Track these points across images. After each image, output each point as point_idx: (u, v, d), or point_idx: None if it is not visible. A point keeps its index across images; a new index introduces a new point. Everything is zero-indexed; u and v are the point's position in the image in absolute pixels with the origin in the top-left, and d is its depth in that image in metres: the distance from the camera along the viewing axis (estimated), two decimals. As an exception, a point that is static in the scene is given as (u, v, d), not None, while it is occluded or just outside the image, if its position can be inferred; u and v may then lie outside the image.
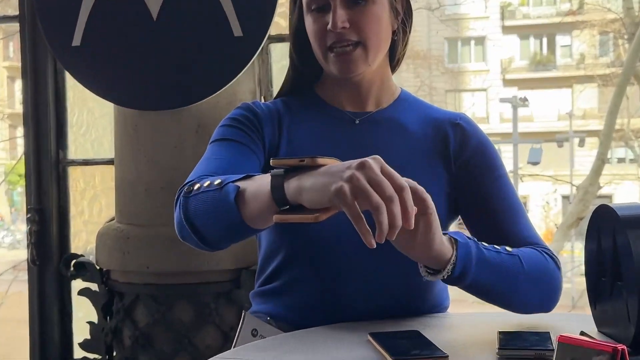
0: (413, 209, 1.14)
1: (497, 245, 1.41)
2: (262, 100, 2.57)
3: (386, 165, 1.14)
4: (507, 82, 21.86)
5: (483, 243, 1.38)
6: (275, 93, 2.61)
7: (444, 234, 1.31)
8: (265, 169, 1.49)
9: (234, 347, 1.53)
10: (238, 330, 1.54)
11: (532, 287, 1.41)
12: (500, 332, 1.29)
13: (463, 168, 1.54)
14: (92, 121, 2.89)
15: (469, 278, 1.33)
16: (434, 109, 1.62)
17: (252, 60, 2.39)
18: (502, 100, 17.08)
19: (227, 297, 2.48)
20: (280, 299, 1.52)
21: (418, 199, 1.19)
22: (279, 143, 1.52)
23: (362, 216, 1.11)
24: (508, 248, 1.40)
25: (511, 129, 15.37)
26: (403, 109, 1.57)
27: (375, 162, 1.13)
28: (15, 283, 9.15)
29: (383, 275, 1.46)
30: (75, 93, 2.83)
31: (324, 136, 1.53)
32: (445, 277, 1.31)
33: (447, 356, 1.18)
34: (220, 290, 2.47)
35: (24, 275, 2.85)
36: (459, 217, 1.58)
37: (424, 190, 1.20)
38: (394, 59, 1.60)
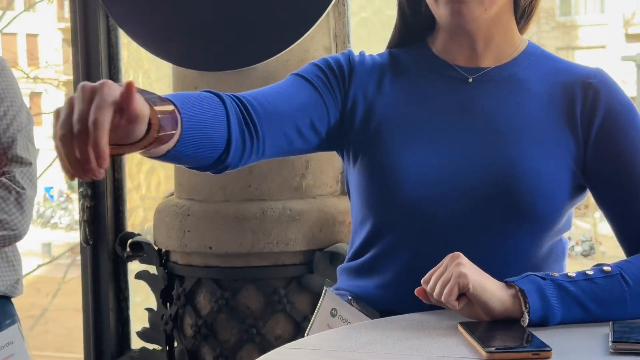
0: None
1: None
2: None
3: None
4: (630, 38, 21.22)
5: (568, 273, 1.34)
6: (353, 49, 2.60)
7: (510, 283, 1.31)
8: (331, 122, 1.50)
9: (310, 327, 1.56)
10: (317, 308, 1.56)
11: None
12: (614, 323, 1.24)
13: (594, 138, 1.47)
14: (148, 84, 2.92)
15: (557, 319, 1.31)
16: (566, 64, 1.54)
17: (326, 12, 2.36)
18: (624, 58, 16.62)
19: (298, 282, 2.48)
20: (365, 276, 1.52)
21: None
22: (372, 101, 1.50)
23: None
24: (605, 268, 1.35)
25: (635, 92, 14.97)
26: (527, 66, 1.51)
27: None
28: (72, 268, 9.44)
29: (486, 252, 1.42)
30: (130, 53, 2.86)
31: (428, 97, 1.50)
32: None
33: (550, 350, 1.14)
34: (292, 275, 2.47)
35: (83, 259, 2.92)
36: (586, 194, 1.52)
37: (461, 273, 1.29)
38: (517, 9, 1.52)
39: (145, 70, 2.92)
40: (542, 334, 1.22)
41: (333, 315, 1.51)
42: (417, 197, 1.44)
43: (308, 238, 2.46)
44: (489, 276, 1.31)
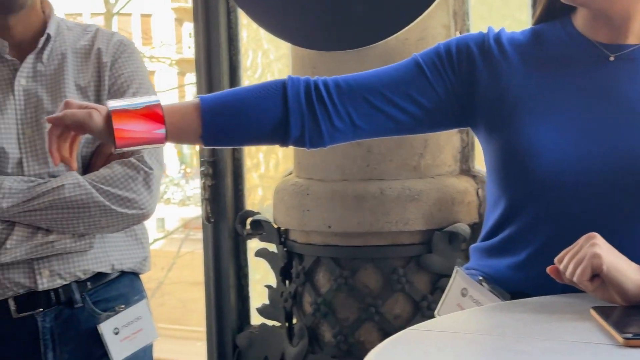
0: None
1: None
2: (458, 34, 2.52)
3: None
4: None
5: None
6: (472, 27, 2.56)
7: None
8: (445, 102, 1.51)
9: (441, 305, 1.57)
10: (447, 287, 1.57)
11: None
12: None
13: None
14: (267, 64, 2.95)
15: None
16: None
17: (446, -11, 2.34)
18: None
19: (417, 262, 2.47)
20: (497, 256, 1.50)
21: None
22: (507, 80, 1.48)
23: None
24: None
25: None
26: None
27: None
28: (186, 242, 9.67)
29: (623, 234, 1.39)
30: (249, 33, 2.90)
31: (566, 75, 1.46)
32: None
33: (691, 338, 1.11)
34: (410, 254, 2.47)
35: (195, 234, 2.98)
36: None
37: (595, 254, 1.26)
38: None
39: (264, 51, 2.95)
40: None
41: (463, 295, 1.52)
42: (552, 177, 1.41)
43: (427, 218, 2.46)
44: (625, 258, 1.28)
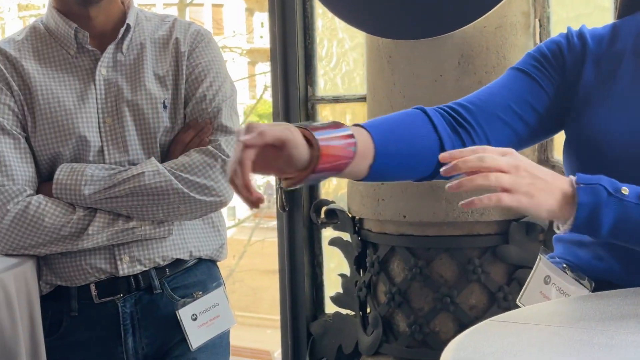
0: None
1: None
2: (537, 23, 2.49)
3: None
4: None
5: None
6: (552, 14, 2.52)
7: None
8: (552, 105, 1.50)
9: (523, 293, 1.55)
10: (530, 275, 1.56)
11: None
12: None
13: None
14: (342, 54, 2.95)
15: (603, 236, 1.26)
16: None
17: (525, -24, 2.30)
18: None
19: (493, 253, 2.45)
20: (579, 247, 1.49)
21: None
22: (586, 74, 1.48)
23: None
24: None
25: None
26: None
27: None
28: (257, 230, 9.75)
29: None
30: (325, 22, 2.90)
31: (636, 67, 1.46)
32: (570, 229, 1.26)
33: None
34: (487, 245, 2.45)
35: (266, 223, 3.00)
36: None
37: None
38: None
39: (339, 40, 2.95)
40: None
41: (546, 282, 1.51)
42: (626, 164, 1.40)
43: (504, 208, 2.42)
44: (544, 179, 1.25)
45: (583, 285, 1.44)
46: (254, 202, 1.21)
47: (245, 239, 9.92)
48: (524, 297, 1.57)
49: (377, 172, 1.36)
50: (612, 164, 1.41)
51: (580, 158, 1.48)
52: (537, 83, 1.51)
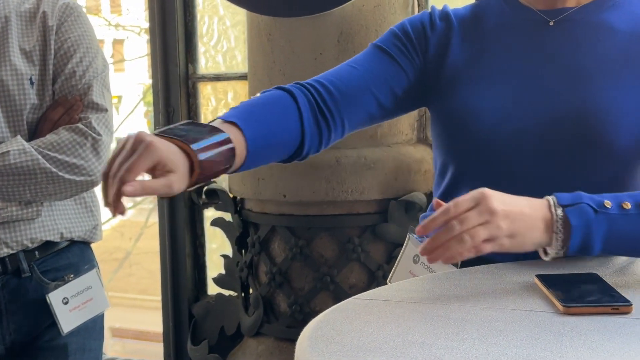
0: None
1: None
2: (416, 3, 2.50)
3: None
4: None
5: (623, 202, 1.26)
6: (429, -6, 2.54)
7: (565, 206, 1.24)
8: (411, 87, 1.50)
9: (393, 273, 1.56)
10: (400, 254, 1.57)
11: None
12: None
13: None
14: (223, 31, 2.91)
15: (595, 252, 1.26)
16: None
17: (402, -45, 2.30)
18: None
19: (373, 231, 2.46)
20: None
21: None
22: (451, 53, 1.49)
23: None
24: None
25: None
26: (612, 6, 1.47)
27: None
28: (154, 212, 9.64)
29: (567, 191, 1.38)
30: (205, -1, 2.85)
31: (506, 42, 1.48)
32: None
33: (631, 305, 1.10)
34: (366, 224, 2.46)
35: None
36: None
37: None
38: None
39: (220, 17, 2.90)
40: (625, 289, 1.17)
41: (415, 261, 1.53)
42: (493, 138, 1.42)
43: (383, 186, 2.44)
44: (520, 203, 1.24)
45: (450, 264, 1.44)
46: (118, 211, 1.19)
47: (143, 220, 9.79)
48: (394, 277, 1.58)
49: (245, 167, 1.37)
50: (482, 140, 1.43)
51: (451, 135, 1.48)
52: (398, 65, 1.51)
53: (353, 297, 1.28)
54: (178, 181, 1.20)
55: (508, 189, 1.39)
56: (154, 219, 9.35)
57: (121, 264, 9.50)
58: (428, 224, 1.22)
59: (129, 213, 10.74)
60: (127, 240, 9.66)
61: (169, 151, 1.20)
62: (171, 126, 1.27)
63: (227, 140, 1.26)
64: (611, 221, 1.26)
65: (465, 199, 1.21)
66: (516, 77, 1.44)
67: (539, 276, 1.23)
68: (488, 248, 1.20)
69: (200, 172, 1.22)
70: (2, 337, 1.78)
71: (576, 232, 1.24)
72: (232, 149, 1.26)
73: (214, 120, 1.34)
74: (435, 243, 1.21)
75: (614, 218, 1.27)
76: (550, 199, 1.26)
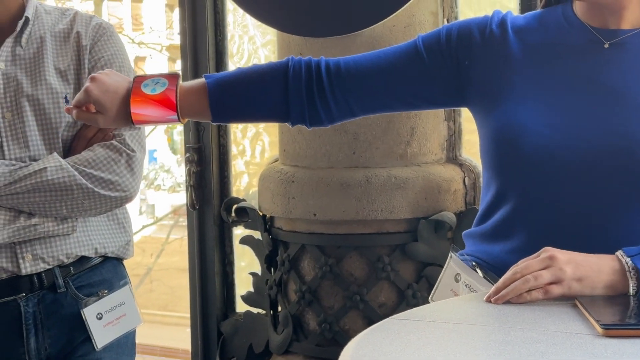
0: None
1: None
2: (445, 22, 2.50)
3: None
4: None
5: None
6: (460, 14, 2.54)
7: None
8: (441, 88, 1.53)
9: (434, 291, 1.59)
10: (442, 273, 1.58)
11: None
12: None
13: None
14: (253, 50, 2.93)
15: None
16: None
17: (433, -24, 2.32)
18: None
19: (402, 250, 2.46)
20: (490, 241, 1.50)
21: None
22: (502, 64, 1.49)
23: None
24: None
25: None
26: None
27: None
28: (175, 228, 9.66)
29: (610, 219, 1.38)
30: (236, 19, 2.88)
31: (559, 60, 1.46)
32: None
33: (673, 328, 1.10)
34: (396, 243, 2.46)
35: (185, 221, 2.97)
36: None
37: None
38: None
39: (250, 37, 2.93)
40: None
41: (457, 280, 1.53)
42: (541, 156, 1.40)
43: (413, 206, 2.44)
44: (586, 256, 1.28)
45: (492, 283, 1.44)
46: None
47: (164, 237, 9.81)
48: (436, 295, 1.59)
49: (221, 118, 1.57)
50: (527, 160, 1.42)
51: (495, 149, 1.48)
52: (425, 66, 1.52)
53: (390, 317, 1.28)
54: (104, 121, 1.51)
55: (554, 211, 1.40)
56: (175, 235, 9.40)
57: (142, 280, 9.53)
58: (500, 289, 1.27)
59: (151, 229, 10.78)
60: (148, 257, 9.70)
61: (106, 96, 1.49)
62: (151, 74, 1.52)
63: (168, 86, 1.50)
64: None
65: (534, 263, 1.27)
66: (568, 98, 1.43)
67: (580, 298, 1.23)
68: (556, 290, 1.25)
69: (135, 121, 1.50)
70: (37, 352, 1.80)
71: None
72: (175, 117, 1.49)
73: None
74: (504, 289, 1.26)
75: None
76: (619, 252, 1.28)
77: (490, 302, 1.26)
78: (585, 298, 1.23)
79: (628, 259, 1.26)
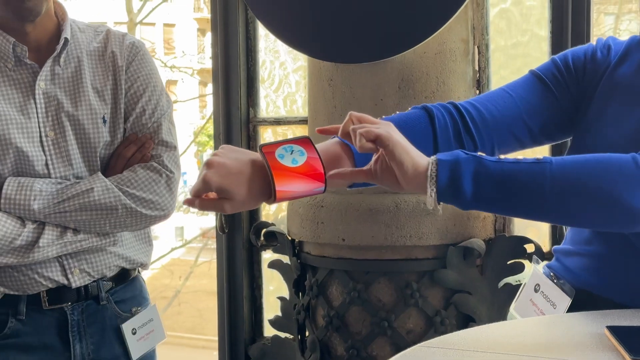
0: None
1: None
2: (477, 51, 2.51)
3: None
4: None
5: (500, 157, 1.31)
6: (490, 42, 2.55)
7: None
8: (565, 118, 1.52)
9: (515, 300, 1.64)
10: (524, 283, 1.63)
11: (566, 198, 1.27)
12: None
13: None
14: (284, 76, 2.95)
15: (468, 195, 1.27)
16: None
17: (464, 3, 2.32)
18: None
19: (431, 277, 2.46)
20: (570, 256, 1.55)
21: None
22: (601, 86, 1.51)
23: None
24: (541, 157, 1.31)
25: None
26: None
27: None
28: (204, 252, 9.71)
29: None
30: (267, 44, 2.90)
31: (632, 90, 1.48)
32: (436, 196, 1.28)
33: None
34: (424, 269, 2.45)
35: (213, 244, 2.99)
36: None
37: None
38: None
39: (281, 62, 2.95)
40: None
41: (536, 290, 1.58)
42: None
43: (441, 232, 2.44)
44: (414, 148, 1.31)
45: (565, 292, 1.50)
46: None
47: (192, 259, 9.86)
48: (517, 305, 1.65)
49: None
50: None
51: None
52: (554, 95, 1.53)
53: (419, 344, 1.28)
54: (232, 206, 1.34)
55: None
56: (204, 258, 9.43)
57: (170, 302, 9.57)
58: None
59: (180, 251, 10.84)
60: (176, 279, 9.74)
61: (229, 180, 1.33)
62: (277, 141, 1.35)
63: (320, 176, 1.34)
64: (481, 162, 1.28)
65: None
66: None
67: (609, 327, 1.22)
68: (377, 131, 1.28)
69: (278, 199, 1.33)
70: (82, 358, 1.87)
71: (443, 167, 1.27)
72: (321, 189, 1.35)
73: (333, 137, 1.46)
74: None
75: (484, 161, 1.29)
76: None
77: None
78: (615, 327, 1.22)
79: (433, 157, 1.29)
